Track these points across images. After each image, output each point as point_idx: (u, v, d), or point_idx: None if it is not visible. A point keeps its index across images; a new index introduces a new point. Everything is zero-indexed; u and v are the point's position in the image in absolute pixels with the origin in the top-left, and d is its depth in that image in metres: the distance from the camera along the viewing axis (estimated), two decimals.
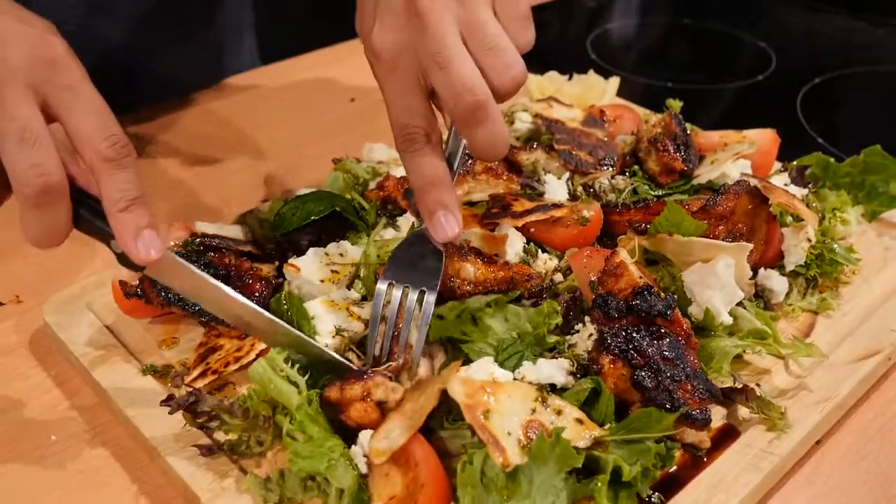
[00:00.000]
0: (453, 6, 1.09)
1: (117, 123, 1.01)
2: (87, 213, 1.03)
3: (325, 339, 1.23)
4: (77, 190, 1.01)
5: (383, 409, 1.11)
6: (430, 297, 1.19)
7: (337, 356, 1.19)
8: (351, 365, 1.20)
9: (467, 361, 1.18)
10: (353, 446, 1.08)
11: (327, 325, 1.25)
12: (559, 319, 1.24)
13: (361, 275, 1.36)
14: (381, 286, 1.20)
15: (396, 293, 1.20)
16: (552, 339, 1.21)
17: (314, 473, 1.06)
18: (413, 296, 1.19)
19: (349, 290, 1.34)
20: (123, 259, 1.05)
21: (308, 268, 1.35)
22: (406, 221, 1.46)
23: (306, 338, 1.18)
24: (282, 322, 1.17)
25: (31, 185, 0.94)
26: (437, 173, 1.15)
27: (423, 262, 1.21)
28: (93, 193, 1.03)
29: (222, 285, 1.12)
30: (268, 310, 1.18)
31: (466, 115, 1.08)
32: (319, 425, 1.10)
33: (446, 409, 1.10)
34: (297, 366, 1.16)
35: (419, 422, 1.04)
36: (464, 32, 1.09)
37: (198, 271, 1.11)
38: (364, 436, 1.08)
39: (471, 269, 1.27)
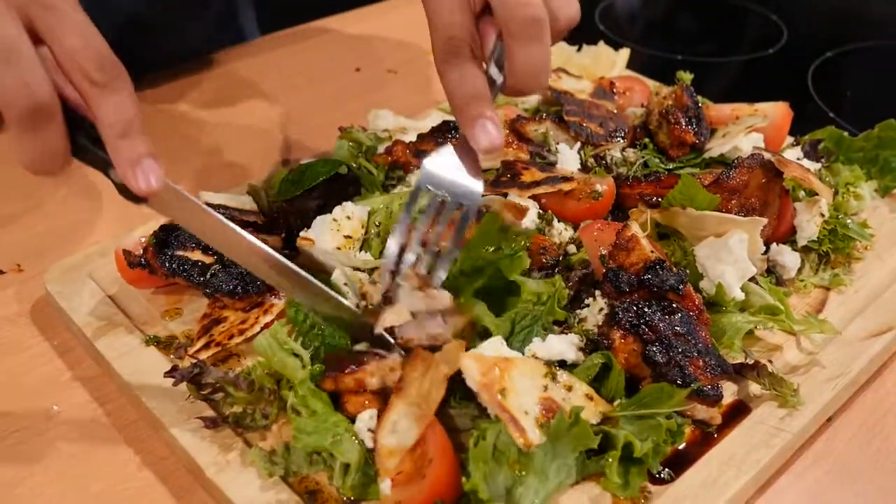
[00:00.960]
0: None
1: (106, 45, 0.95)
2: (85, 140, 0.97)
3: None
4: (75, 117, 0.96)
5: (384, 392, 1.09)
6: (471, 207, 1.14)
7: (347, 303, 1.16)
8: (356, 311, 1.16)
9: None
10: (357, 422, 1.07)
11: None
12: (565, 295, 1.22)
13: (380, 222, 1.34)
14: (417, 191, 1.15)
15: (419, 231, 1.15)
16: (561, 312, 1.19)
17: (319, 449, 1.04)
18: (444, 218, 1.14)
19: (362, 252, 1.33)
20: (124, 190, 0.99)
21: (321, 237, 1.33)
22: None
23: (315, 281, 1.14)
24: (290, 264, 1.12)
25: (18, 105, 0.90)
26: (479, 86, 1.11)
27: (461, 173, 1.16)
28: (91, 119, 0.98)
29: (230, 223, 1.07)
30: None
31: (522, 28, 1.05)
32: (323, 400, 1.09)
33: (453, 388, 1.08)
34: (301, 339, 1.14)
35: (429, 413, 1.01)
36: None
37: (205, 207, 1.05)
38: (363, 416, 1.06)
39: None
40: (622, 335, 1.12)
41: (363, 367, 1.09)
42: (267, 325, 1.21)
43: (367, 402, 1.08)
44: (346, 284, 1.24)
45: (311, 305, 1.15)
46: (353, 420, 1.07)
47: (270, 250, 1.10)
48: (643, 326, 1.12)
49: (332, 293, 1.16)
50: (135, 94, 0.96)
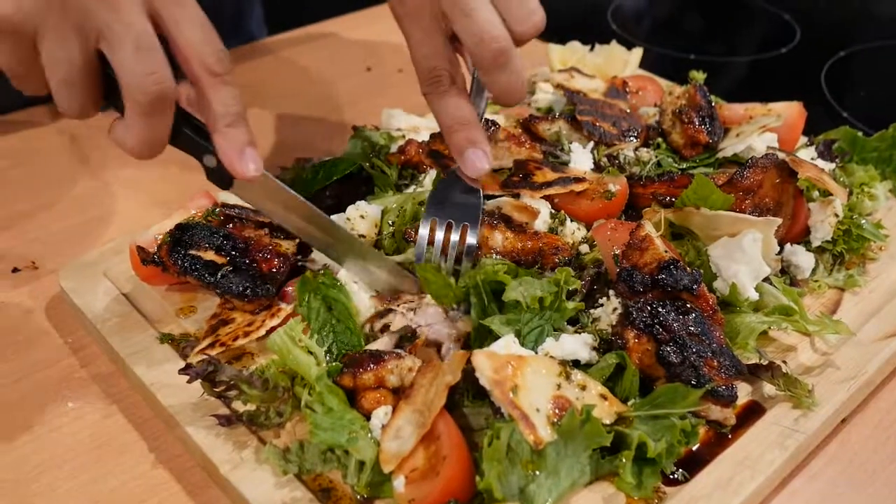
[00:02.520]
0: None
1: (218, 39, 1.02)
2: (187, 127, 1.04)
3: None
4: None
5: (398, 392, 1.10)
6: (474, 230, 1.23)
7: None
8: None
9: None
10: (372, 419, 1.07)
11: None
12: (577, 284, 1.22)
13: (393, 221, 1.35)
14: (424, 227, 1.24)
15: (439, 234, 1.24)
16: (570, 305, 1.19)
17: (335, 446, 1.04)
18: (456, 230, 1.24)
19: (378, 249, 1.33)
20: (214, 174, 1.07)
21: None
22: (431, 179, 1.44)
23: (386, 257, 1.24)
24: (372, 248, 1.23)
25: (147, 92, 0.95)
26: (463, 113, 1.20)
27: (462, 198, 1.26)
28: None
29: (313, 206, 1.18)
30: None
31: (489, 62, 1.14)
32: (339, 397, 1.09)
33: (467, 387, 1.09)
34: (314, 337, 1.15)
35: (429, 421, 1.02)
36: None
37: (288, 189, 1.14)
38: (378, 413, 1.07)
39: (499, 238, 1.26)
40: (636, 335, 1.12)
41: (383, 365, 1.10)
42: (273, 329, 1.20)
43: (382, 399, 1.09)
44: (355, 282, 1.25)
45: (395, 285, 1.25)
46: (367, 418, 1.08)
47: (350, 233, 1.23)
48: (657, 326, 1.11)
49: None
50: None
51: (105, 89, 1.00)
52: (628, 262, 1.20)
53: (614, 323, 1.17)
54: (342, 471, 1.05)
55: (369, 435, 1.05)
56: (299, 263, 1.34)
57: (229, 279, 1.26)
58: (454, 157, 1.22)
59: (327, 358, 1.16)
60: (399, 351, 1.14)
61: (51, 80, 0.97)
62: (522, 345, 1.14)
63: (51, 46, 0.95)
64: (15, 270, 1.45)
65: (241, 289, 1.25)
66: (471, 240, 1.23)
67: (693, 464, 1.06)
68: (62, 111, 1.00)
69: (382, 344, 1.19)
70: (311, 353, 1.11)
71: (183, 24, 0.98)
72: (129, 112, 0.98)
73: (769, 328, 1.26)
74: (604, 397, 1.07)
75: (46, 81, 0.98)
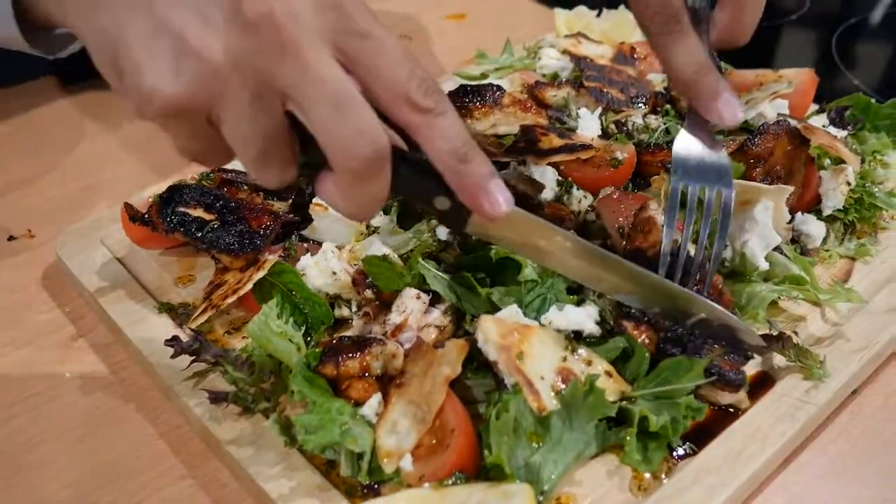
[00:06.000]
0: None
1: (420, 63, 0.86)
2: (408, 172, 0.88)
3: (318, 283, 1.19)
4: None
5: (383, 379, 1.05)
6: (730, 193, 1.13)
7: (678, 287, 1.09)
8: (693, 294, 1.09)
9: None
10: (364, 408, 1.01)
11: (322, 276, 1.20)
12: None
13: None
14: (675, 186, 1.13)
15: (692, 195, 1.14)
16: None
17: (329, 446, 0.98)
18: (711, 193, 1.14)
19: (385, 214, 1.31)
20: (447, 217, 0.93)
21: None
22: None
23: (649, 273, 1.07)
24: (616, 256, 1.06)
25: (359, 155, 0.80)
26: (705, 56, 1.13)
27: (708, 156, 1.16)
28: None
29: (576, 237, 1.03)
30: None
31: None
32: (321, 387, 1.03)
33: (469, 358, 1.06)
34: (291, 321, 1.11)
35: (430, 417, 0.97)
36: None
37: (537, 218, 0.99)
38: (370, 402, 1.01)
39: None
40: (634, 325, 1.09)
41: (368, 351, 1.04)
42: (259, 284, 1.17)
43: (369, 388, 1.03)
44: (332, 253, 1.21)
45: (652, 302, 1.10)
46: (356, 404, 1.03)
47: (639, 268, 1.06)
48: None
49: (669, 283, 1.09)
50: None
51: (300, 143, 0.86)
52: (631, 244, 1.17)
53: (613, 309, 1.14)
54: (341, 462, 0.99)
55: (364, 422, 1.00)
56: (296, 231, 1.31)
57: (216, 232, 1.22)
58: (699, 105, 1.13)
59: (307, 340, 1.13)
60: (379, 336, 1.09)
61: (242, 157, 0.84)
62: (525, 315, 1.11)
63: (232, 123, 0.81)
64: (11, 238, 1.43)
65: (227, 241, 1.21)
66: (726, 202, 1.12)
67: (701, 438, 1.04)
68: (259, 184, 0.88)
69: (356, 329, 1.16)
70: (290, 340, 1.07)
71: (380, 62, 0.82)
72: (340, 177, 0.83)
73: (780, 297, 1.23)
74: (609, 374, 1.05)
75: (228, 153, 0.85)
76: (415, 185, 0.90)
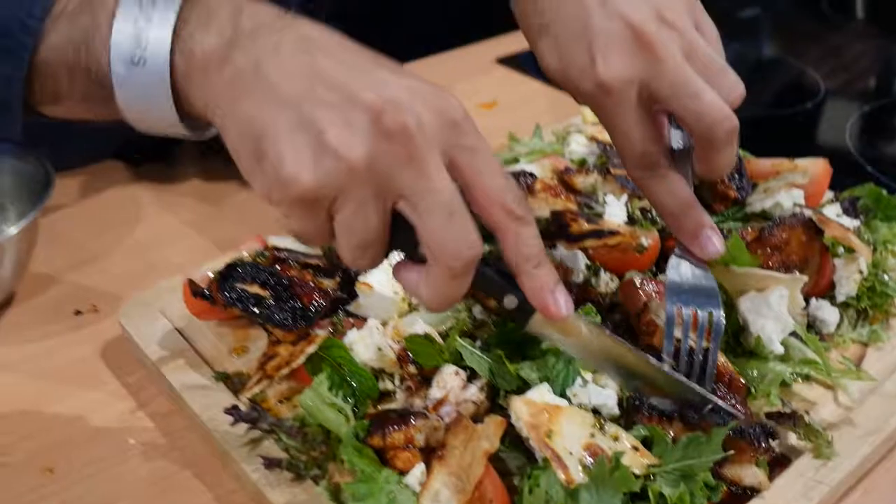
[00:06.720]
0: (674, 34, 1.12)
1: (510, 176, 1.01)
2: (489, 270, 1.03)
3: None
4: None
5: (425, 450, 1.12)
6: (719, 315, 1.21)
7: (716, 399, 1.17)
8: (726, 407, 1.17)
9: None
10: (408, 477, 1.09)
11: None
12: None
13: None
14: (671, 310, 1.22)
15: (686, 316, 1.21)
16: None
17: None
18: (703, 314, 1.21)
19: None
20: (513, 314, 1.07)
21: (381, 283, 1.39)
22: None
23: (686, 381, 1.18)
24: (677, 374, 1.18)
25: (463, 259, 0.92)
26: (686, 194, 1.20)
27: (698, 283, 1.24)
28: None
29: (616, 337, 1.17)
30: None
31: (723, 140, 1.13)
32: (369, 457, 1.11)
33: (503, 434, 1.12)
34: (340, 393, 1.20)
35: (470, 488, 1.04)
36: (686, 56, 1.13)
37: (591, 322, 1.14)
38: (414, 472, 1.09)
39: None
40: (646, 418, 1.17)
41: (412, 424, 1.12)
42: (311, 357, 1.26)
43: (413, 458, 1.11)
44: (378, 330, 1.29)
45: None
46: (400, 473, 1.10)
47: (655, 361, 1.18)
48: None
49: (706, 393, 1.18)
50: None
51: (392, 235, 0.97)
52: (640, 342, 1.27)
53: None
54: None
55: (409, 491, 1.07)
56: (342, 307, 1.40)
57: (271, 309, 1.33)
58: (682, 239, 1.22)
59: (354, 411, 1.20)
60: (423, 411, 1.17)
61: (343, 244, 0.96)
62: (552, 389, 1.19)
63: (348, 214, 0.92)
64: (77, 313, 1.53)
65: (280, 317, 1.32)
66: (717, 324, 1.21)
67: None
68: (348, 265, 1.00)
69: (399, 402, 1.25)
70: (340, 411, 1.16)
71: (484, 172, 0.95)
72: (435, 274, 0.95)
73: (794, 377, 1.30)
74: (636, 449, 1.12)
75: (331, 236, 0.97)
76: (490, 283, 1.04)
